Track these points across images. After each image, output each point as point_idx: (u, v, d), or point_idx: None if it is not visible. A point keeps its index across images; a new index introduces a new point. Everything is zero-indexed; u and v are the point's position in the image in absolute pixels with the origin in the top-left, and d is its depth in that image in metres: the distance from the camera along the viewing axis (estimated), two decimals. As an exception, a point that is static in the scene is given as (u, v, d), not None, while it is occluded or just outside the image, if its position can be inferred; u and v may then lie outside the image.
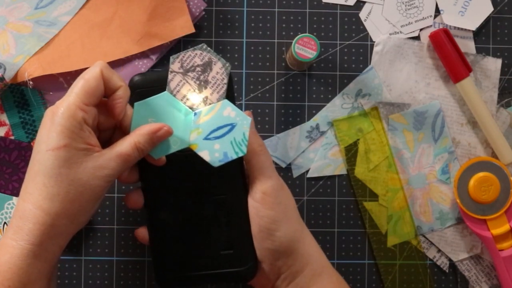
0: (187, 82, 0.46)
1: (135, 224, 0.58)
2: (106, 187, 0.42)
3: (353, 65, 0.59)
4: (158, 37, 0.57)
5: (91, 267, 0.58)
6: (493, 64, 0.59)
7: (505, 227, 0.56)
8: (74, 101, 0.41)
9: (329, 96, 0.59)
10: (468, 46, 0.59)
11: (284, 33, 0.59)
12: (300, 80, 0.59)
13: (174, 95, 0.46)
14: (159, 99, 0.46)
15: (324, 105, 0.59)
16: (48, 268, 0.42)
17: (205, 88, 0.46)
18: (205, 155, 0.45)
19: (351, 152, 0.59)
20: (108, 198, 0.58)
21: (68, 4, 0.58)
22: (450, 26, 0.59)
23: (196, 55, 0.46)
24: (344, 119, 0.59)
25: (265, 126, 0.59)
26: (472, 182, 0.56)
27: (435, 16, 0.59)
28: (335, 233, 0.59)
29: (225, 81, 0.46)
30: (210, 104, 0.46)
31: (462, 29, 0.59)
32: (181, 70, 0.46)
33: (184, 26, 0.57)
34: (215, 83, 0.46)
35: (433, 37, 0.58)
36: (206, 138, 0.46)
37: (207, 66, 0.46)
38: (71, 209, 0.41)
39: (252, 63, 0.59)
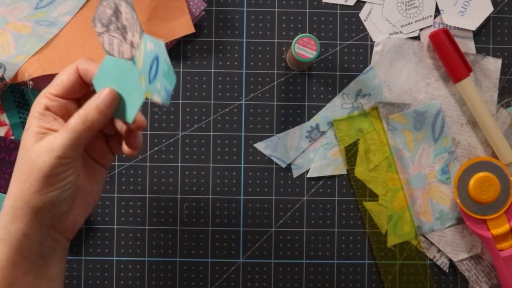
0: (113, 37, 0.44)
1: (135, 224, 0.58)
2: (54, 164, 0.41)
3: (353, 65, 0.59)
4: (158, 37, 0.56)
5: (91, 267, 0.58)
6: (493, 64, 0.59)
7: (505, 227, 0.56)
8: (44, 91, 0.44)
9: (329, 96, 0.59)
10: (468, 46, 0.59)
11: (284, 33, 0.59)
12: (300, 80, 0.59)
13: (112, 55, 0.44)
14: (106, 65, 0.43)
15: (324, 105, 0.59)
16: (13, 254, 0.42)
17: (126, 33, 0.43)
18: (156, 98, 0.41)
19: (351, 152, 0.59)
20: (108, 198, 0.58)
21: (68, 4, 0.58)
22: (450, 26, 0.59)
23: (106, 7, 0.43)
24: (344, 119, 0.59)
25: (265, 126, 0.59)
26: (472, 182, 0.56)
27: (435, 16, 0.59)
28: (335, 233, 0.59)
29: (135, 16, 0.42)
30: (137, 46, 0.43)
31: (462, 29, 0.59)
32: (104, 29, 0.44)
33: (184, 26, 0.57)
34: (130, 23, 0.43)
35: (433, 37, 0.58)
36: (150, 82, 0.42)
37: (116, 12, 0.43)
38: (23, 189, 0.42)
39: (252, 63, 0.59)
